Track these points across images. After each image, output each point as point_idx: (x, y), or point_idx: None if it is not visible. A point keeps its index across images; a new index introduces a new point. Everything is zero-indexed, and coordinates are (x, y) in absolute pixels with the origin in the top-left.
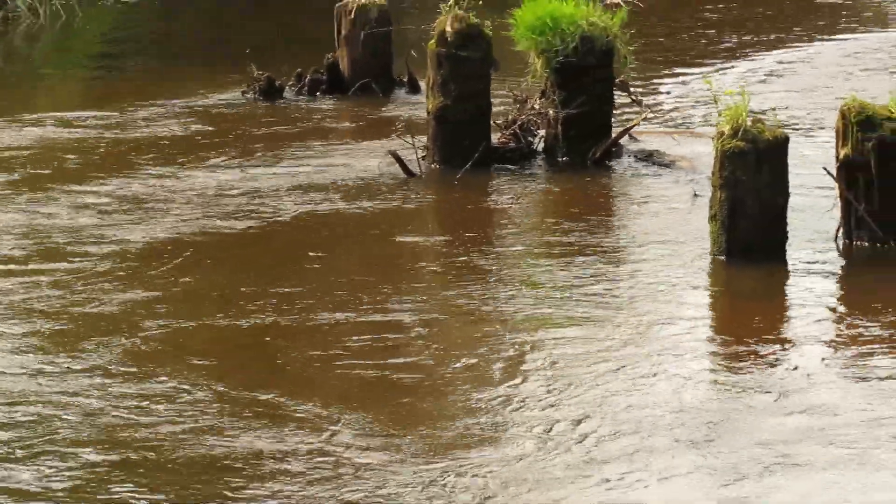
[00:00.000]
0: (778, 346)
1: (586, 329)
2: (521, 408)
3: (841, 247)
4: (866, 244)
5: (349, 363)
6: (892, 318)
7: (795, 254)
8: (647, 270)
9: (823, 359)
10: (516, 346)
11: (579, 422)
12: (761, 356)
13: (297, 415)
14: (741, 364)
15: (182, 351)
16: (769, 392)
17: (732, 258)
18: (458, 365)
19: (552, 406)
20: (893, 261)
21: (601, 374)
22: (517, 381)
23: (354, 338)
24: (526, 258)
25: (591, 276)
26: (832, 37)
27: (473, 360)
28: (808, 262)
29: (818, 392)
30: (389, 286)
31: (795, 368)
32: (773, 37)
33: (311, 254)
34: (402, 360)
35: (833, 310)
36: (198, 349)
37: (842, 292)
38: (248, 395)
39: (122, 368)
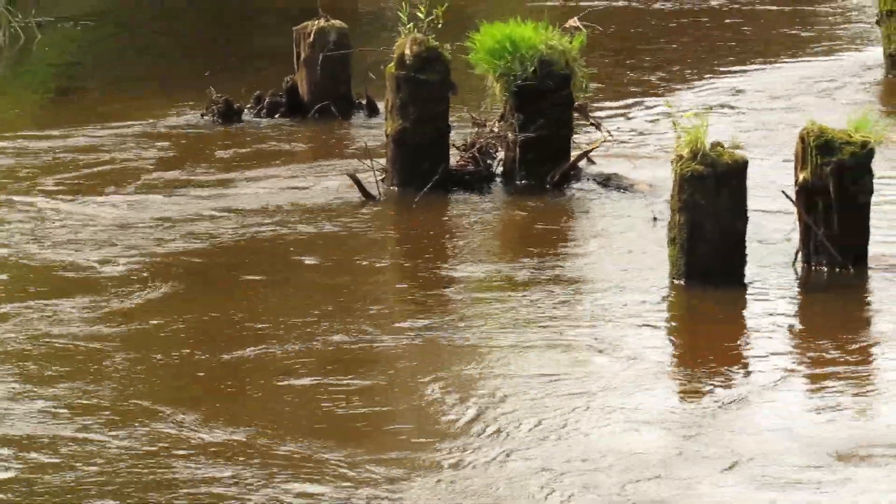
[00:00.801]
0: (733, 377)
1: (544, 358)
2: (473, 450)
3: (800, 271)
4: (825, 269)
5: (311, 398)
6: (852, 346)
7: (754, 278)
8: (606, 295)
9: (777, 392)
10: (472, 380)
11: (532, 472)
12: (716, 389)
13: (270, 454)
14: (696, 398)
15: (148, 390)
16: (720, 436)
17: (691, 282)
18: (414, 401)
19: (508, 450)
20: (852, 286)
21: (554, 411)
22: (472, 418)
23: (314, 372)
24: (484, 284)
25: (550, 302)
26: (788, 62)
27: (429, 395)
28: (767, 287)
29: (770, 435)
30: (347, 315)
31: (747, 405)
32: (730, 62)
33: (266, 279)
34: (358, 393)
35: (791, 336)
36: (163, 387)
37: (801, 318)
38: (221, 437)
39: (90, 412)
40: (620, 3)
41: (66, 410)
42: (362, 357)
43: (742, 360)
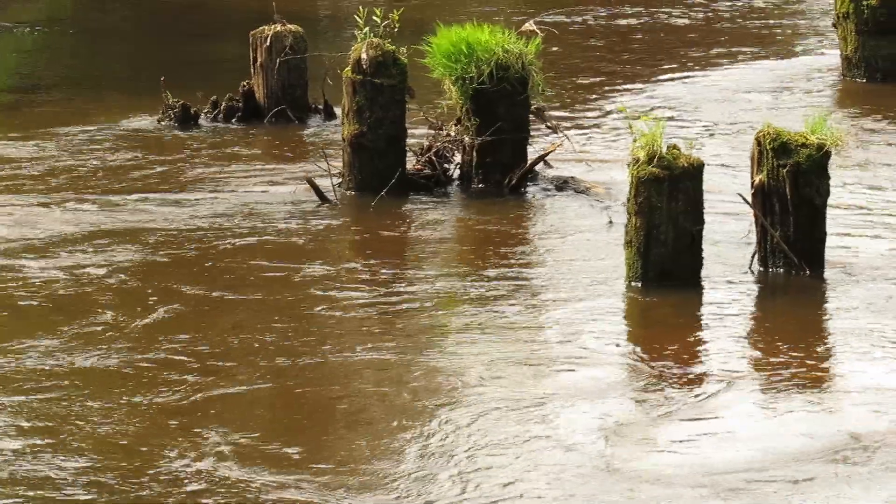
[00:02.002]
0: (687, 381)
1: (498, 368)
2: (419, 478)
3: (756, 274)
4: (781, 271)
5: (271, 426)
6: (804, 352)
7: (710, 281)
8: (563, 298)
9: (729, 399)
10: (427, 396)
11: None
12: (669, 396)
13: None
14: (635, 415)
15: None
16: (633, 475)
17: (648, 285)
18: (360, 425)
19: (456, 478)
20: (808, 288)
21: (492, 434)
22: (422, 439)
23: (274, 401)
24: (440, 292)
25: (507, 305)
26: (746, 65)
27: (383, 418)
28: (724, 290)
29: (717, 449)
30: (300, 332)
31: (677, 426)
32: (690, 66)
33: (220, 294)
34: (318, 415)
35: (746, 339)
36: (108, 426)
37: (756, 321)
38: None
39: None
40: (580, 18)
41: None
42: (322, 376)
43: (690, 370)
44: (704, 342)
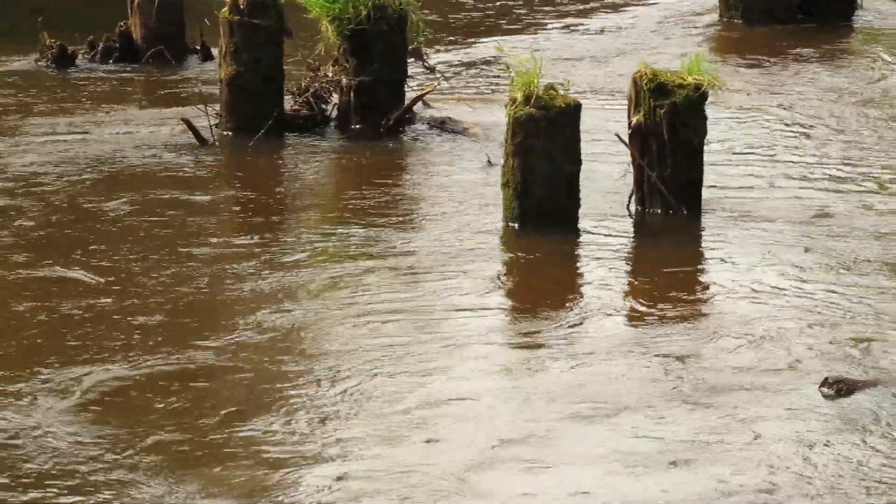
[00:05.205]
0: (566, 322)
1: (373, 314)
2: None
3: (633, 214)
4: (659, 211)
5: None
6: (682, 289)
7: (588, 221)
8: (439, 239)
9: (608, 340)
10: (295, 348)
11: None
12: (546, 338)
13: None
14: (525, 350)
15: None
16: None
17: (525, 226)
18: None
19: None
20: (684, 228)
21: (376, 381)
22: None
23: (142, 357)
24: (313, 236)
25: (382, 247)
26: (622, 7)
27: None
28: (601, 230)
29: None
30: (169, 290)
31: (572, 360)
32: (565, 7)
33: (92, 247)
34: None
35: (624, 280)
36: None
37: (633, 261)
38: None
39: None
40: None
41: None
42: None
43: (568, 312)
44: (582, 283)
